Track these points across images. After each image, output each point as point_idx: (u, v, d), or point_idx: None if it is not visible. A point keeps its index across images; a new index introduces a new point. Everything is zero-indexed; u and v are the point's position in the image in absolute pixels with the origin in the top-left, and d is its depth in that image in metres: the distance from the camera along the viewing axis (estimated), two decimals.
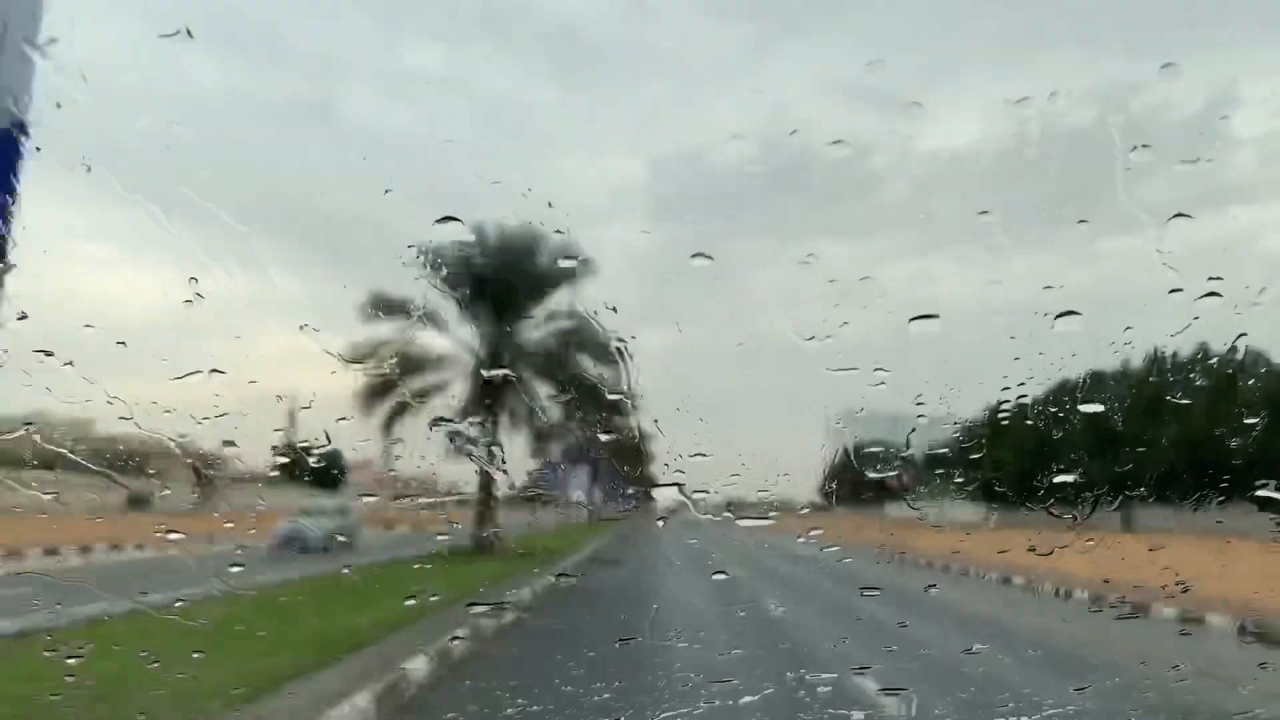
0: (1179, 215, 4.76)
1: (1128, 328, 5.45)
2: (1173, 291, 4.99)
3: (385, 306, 18.78)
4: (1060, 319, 4.87)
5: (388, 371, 18.11)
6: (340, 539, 20.80)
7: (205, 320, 5.69)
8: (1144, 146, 4.48)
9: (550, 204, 5.72)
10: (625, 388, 5.80)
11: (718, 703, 6.42)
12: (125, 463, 6.25)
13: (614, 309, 5.55)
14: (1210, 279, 5.05)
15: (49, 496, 5.64)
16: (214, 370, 5.54)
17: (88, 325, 5.30)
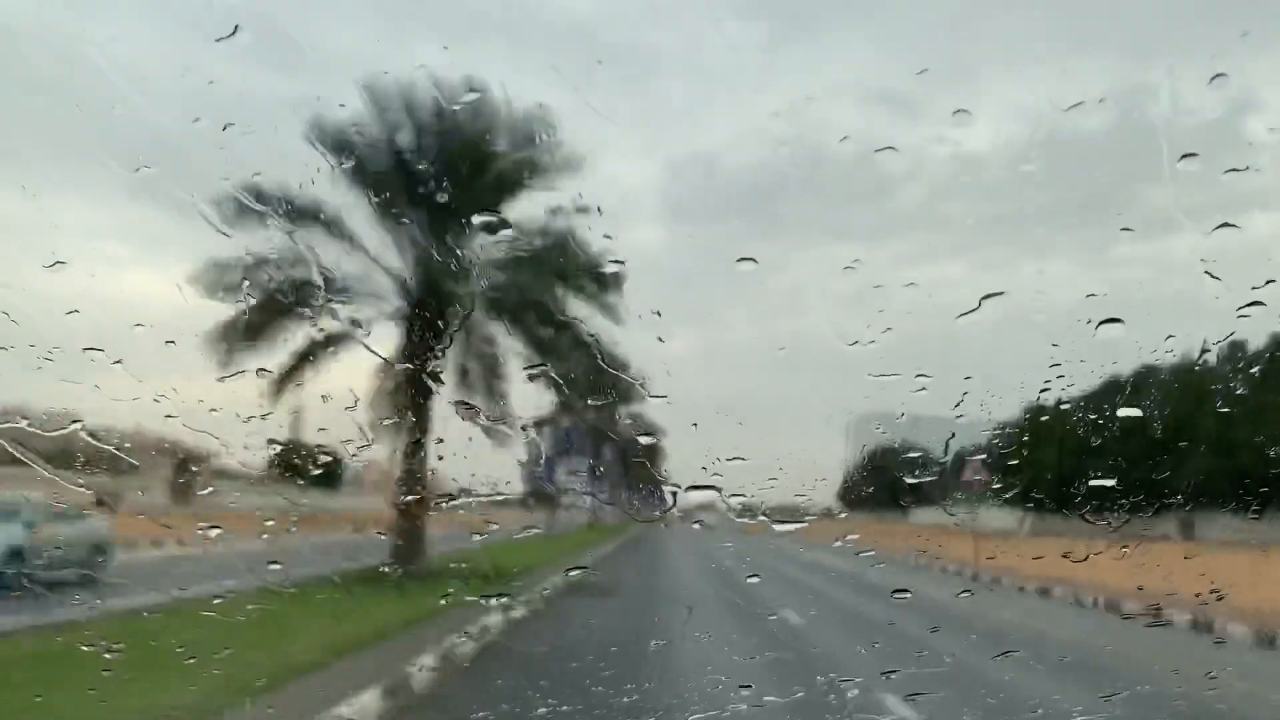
0: (1225, 225, 4.76)
1: (1170, 336, 5.44)
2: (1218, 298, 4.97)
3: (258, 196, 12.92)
4: (1104, 325, 4.87)
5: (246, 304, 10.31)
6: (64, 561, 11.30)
7: (251, 323, 5.80)
8: (1191, 155, 4.46)
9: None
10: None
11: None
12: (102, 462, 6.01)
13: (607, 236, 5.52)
14: (1253, 288, 5.04)
15: None
16: (260, 370, 5.66)
17: (138, 324, 5.40)
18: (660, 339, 5.18)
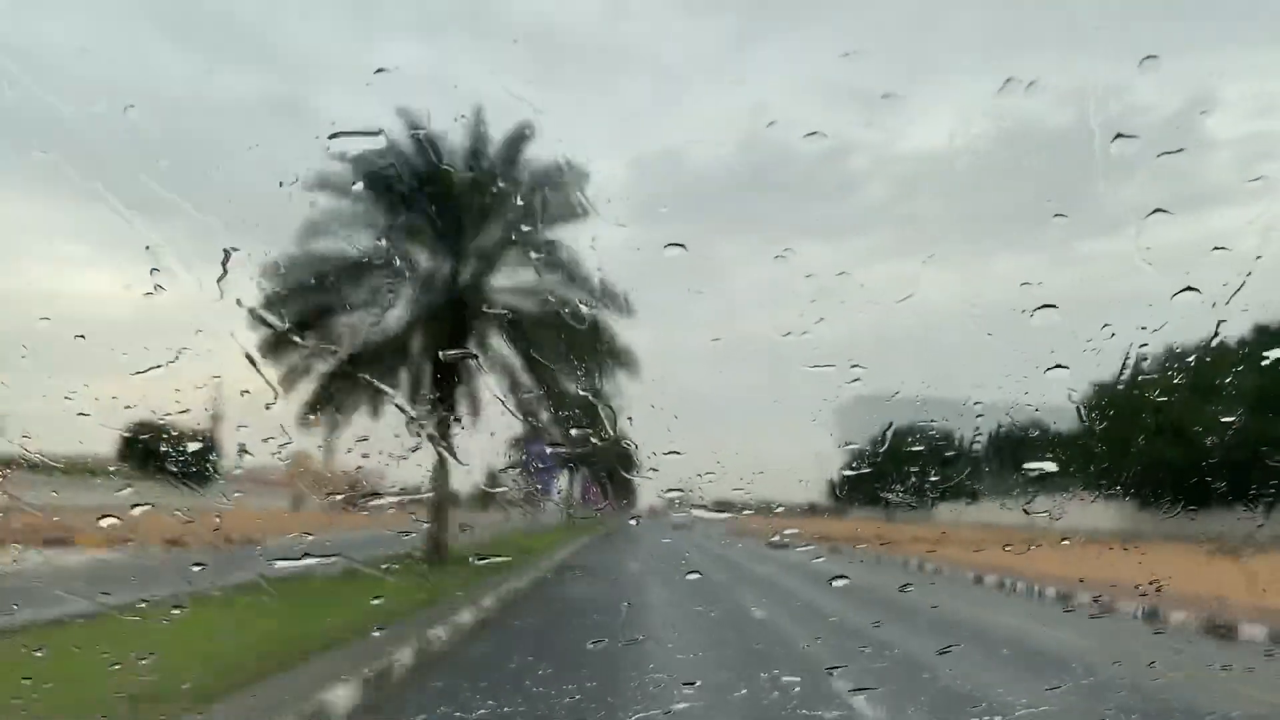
0: (1158, 211, 4.73)
1: (1105, 325, 5.40)
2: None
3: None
4: (1039, 311, 4.83)
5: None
6: None
7: (168, 315, 5.57)
8: (1125, 137, 4.42)
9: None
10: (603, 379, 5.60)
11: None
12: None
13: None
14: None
15: None
16: (179, 360, 5.40)
17: (44, 318, 5.17)
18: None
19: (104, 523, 5.34)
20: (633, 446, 6.39)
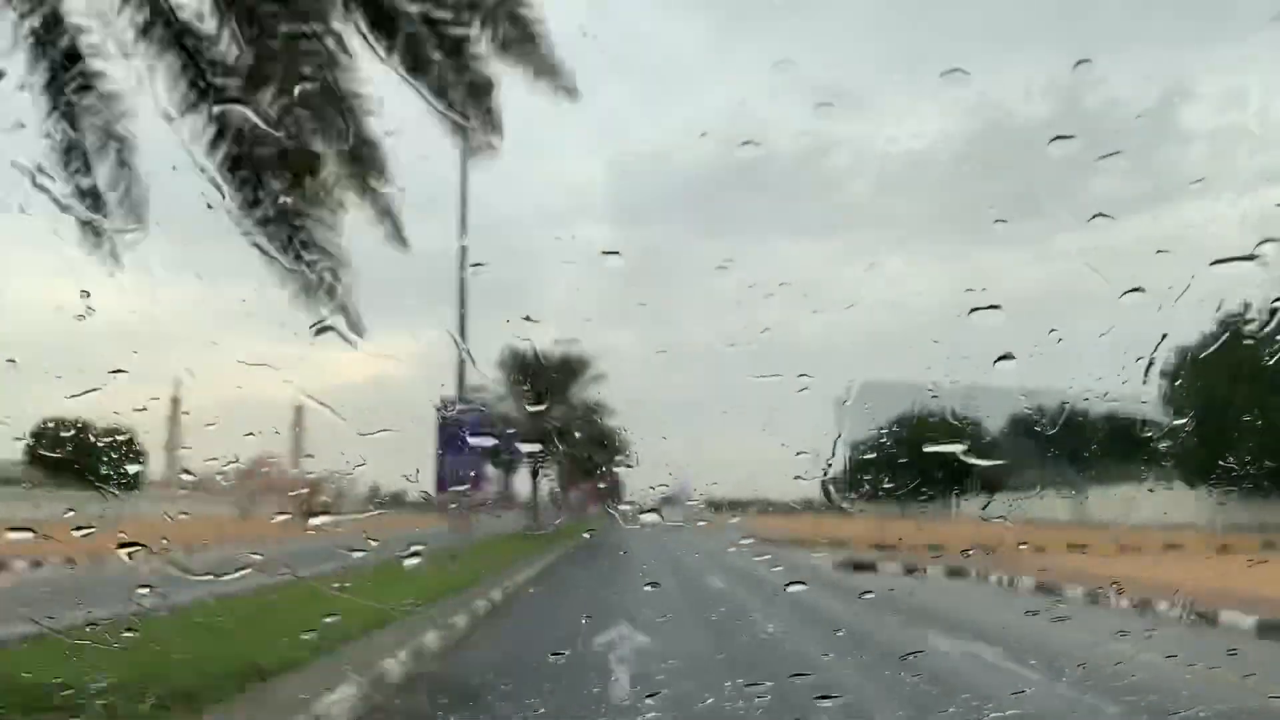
0: (1100, 215, 4.70)
1: (1052, 330, 5.37)
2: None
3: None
4: (975, 313, 4.77)
5: None
6: None
7: (103, 338, 5.47)
8: (1114, 153, 4.36)
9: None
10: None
11: None
12: None
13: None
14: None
15: None
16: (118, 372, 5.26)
17: None
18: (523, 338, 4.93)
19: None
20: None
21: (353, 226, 8.01)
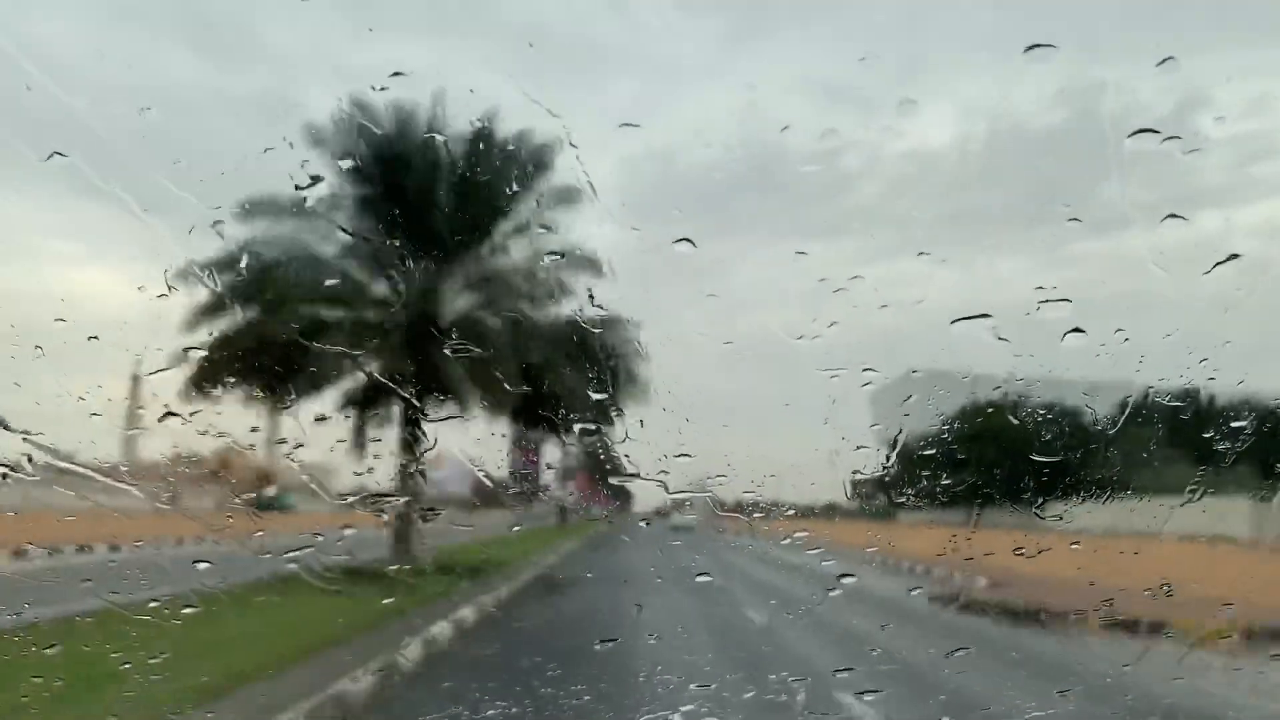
0: (1172, 215, 4.72)
1: (1118, 329, 5.39)
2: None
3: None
4: (1047, 304, 4.79)
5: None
6: None
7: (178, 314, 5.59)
8: (1147, 131, 4.37)
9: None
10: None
11: None
12: None
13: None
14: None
15: None
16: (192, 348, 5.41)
17: (59, 319, 5.18)
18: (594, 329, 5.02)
19: None
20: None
21: None
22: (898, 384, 6.31)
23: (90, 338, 5.31)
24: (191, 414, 5.89)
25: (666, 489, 5.96)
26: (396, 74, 5.38)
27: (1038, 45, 4.72)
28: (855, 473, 5.93)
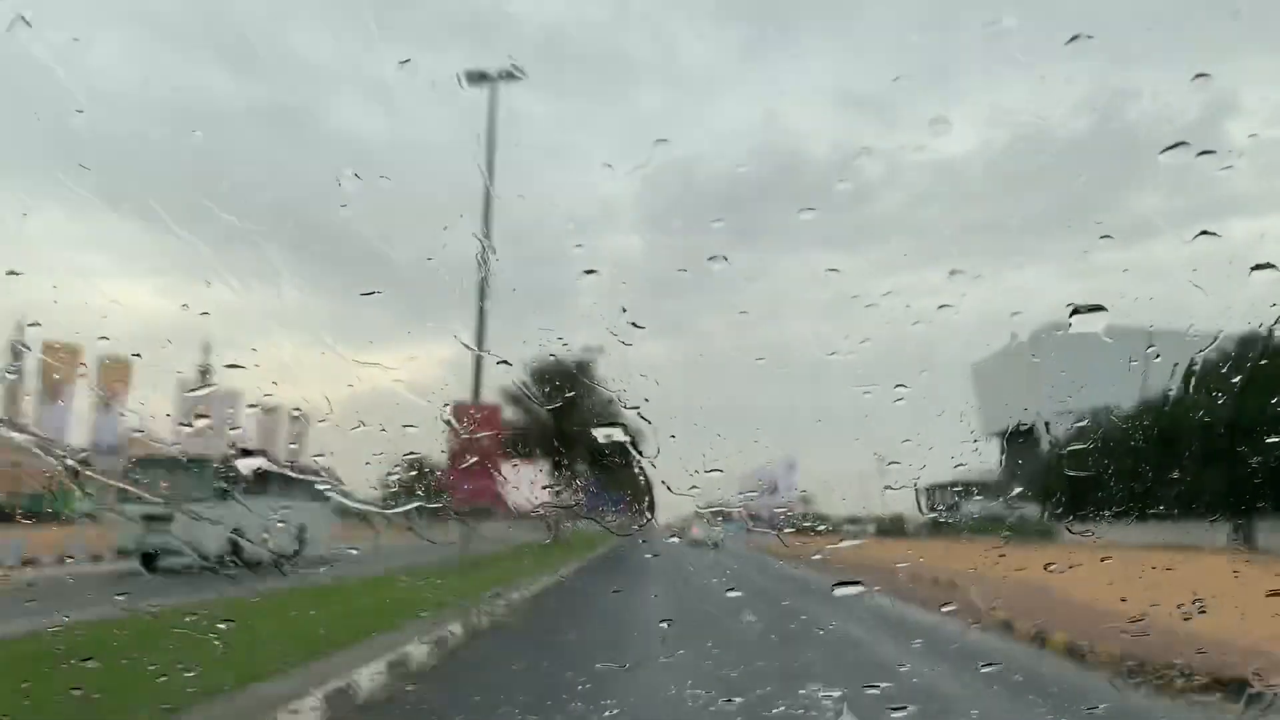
0: (1205, 233, 4.69)
1: (1150, 346, 5.37)
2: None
3: None
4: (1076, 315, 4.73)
5: None
6: None
7: (218, 331, 5.66)
8: (1180, 145, 4.35)
9: None
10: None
11: None
12: None
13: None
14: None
15: None
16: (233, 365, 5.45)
17: (102, 337, 5.26)
18: (625, 343, 5.04)
19: None
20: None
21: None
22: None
23: (134, 355, 5.39)
24: None
25: (695, 503, 5.99)
26: (405, 61, 5.43)
27: (1077, 37, 4.71)
28: (887, 488, 5.92)
